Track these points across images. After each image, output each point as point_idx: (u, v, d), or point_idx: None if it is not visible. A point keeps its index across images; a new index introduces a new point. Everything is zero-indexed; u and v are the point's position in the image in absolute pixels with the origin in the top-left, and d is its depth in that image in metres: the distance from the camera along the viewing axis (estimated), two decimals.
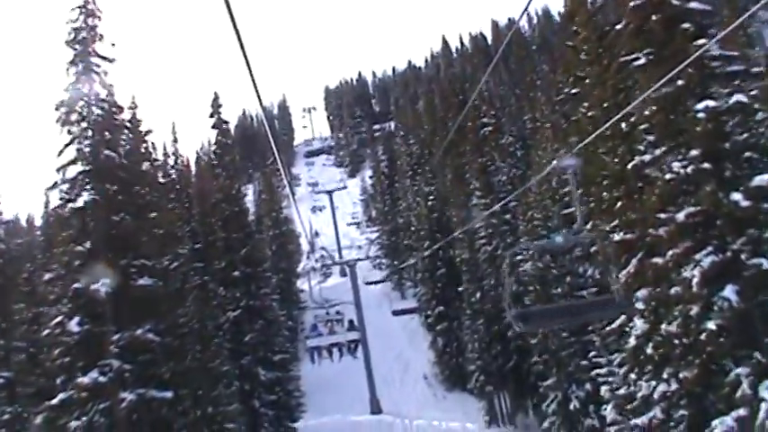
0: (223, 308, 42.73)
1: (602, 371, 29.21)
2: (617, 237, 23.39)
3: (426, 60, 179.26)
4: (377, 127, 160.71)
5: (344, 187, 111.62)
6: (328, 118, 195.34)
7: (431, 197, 64.51)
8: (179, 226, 39.16)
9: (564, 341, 34.52)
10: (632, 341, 22.21)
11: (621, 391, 24.50)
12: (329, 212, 69.41)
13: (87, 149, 27.38)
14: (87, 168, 27.31)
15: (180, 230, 39.32)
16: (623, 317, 23.23)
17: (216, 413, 32.44)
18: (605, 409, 26.33)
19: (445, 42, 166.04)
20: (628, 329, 22.88)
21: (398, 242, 79.96)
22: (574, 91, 33.07)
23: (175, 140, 52.34)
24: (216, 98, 47.77)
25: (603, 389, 27.40)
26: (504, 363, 47.53)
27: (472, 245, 52.31)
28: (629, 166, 22.47)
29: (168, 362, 26.68)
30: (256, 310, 46.01)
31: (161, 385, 25.83)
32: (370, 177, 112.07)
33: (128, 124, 30.00)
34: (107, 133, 27.72)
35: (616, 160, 24.74)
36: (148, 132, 36.14)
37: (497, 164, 57.06)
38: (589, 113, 28.42)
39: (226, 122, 49.03)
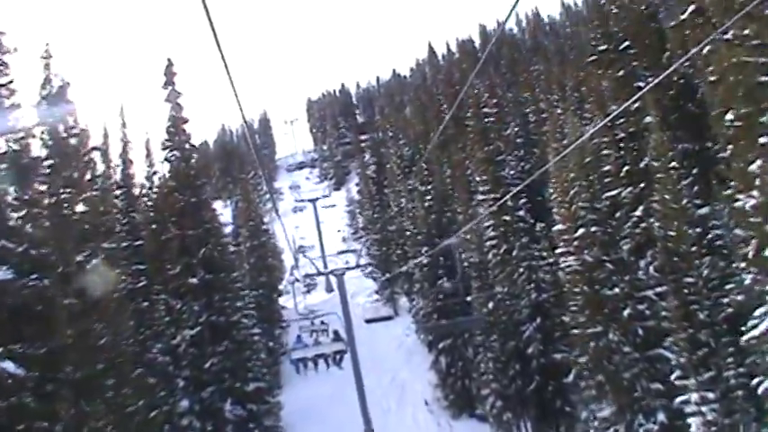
0: (178, 325, 34.40)
1: (690, 396, 21.50)
2: None
3: (412, 69, 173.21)
4: (363, 137, 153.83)
5: (333, 206, 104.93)
6: (311, 130, 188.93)
7: (428, 197, 57.02)
8: (102, 214, 29.97)
9: (626, 357, 26.62)
10: None
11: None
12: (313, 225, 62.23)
13: None
14: None
15: (108, 222, 30.86)
16: None
17: None
18: None
19: (431, 49, 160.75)
20: None
21: (389, 252, 72.23)
22: None
23: (124, 125, 43.93)
24: (169, 65, 39.55)
25: (693, 422, 19.88)
26: (525, 385, 40.91)
27: (481, 247, 44.75)
28: None
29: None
30: (221, 329, 37.27)
31: None
32: (357, 185, 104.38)
33: None
34: None
35: None
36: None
37: (504, 156, 49.77)
38: None
39: (179, 93, 40.58)
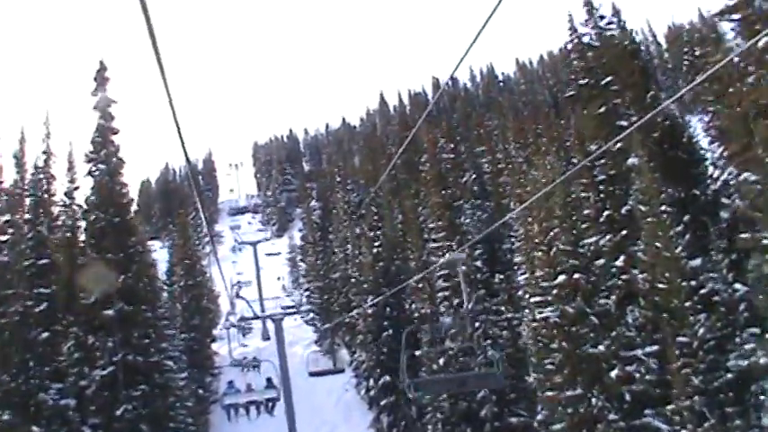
0: (89, 363, 29.88)
1: None
2: None
3: (361, 119, 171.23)
4: (309, 185, 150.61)
5: (278, 253, 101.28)
6: (255, 175, 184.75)
7: (376, 243, 53.36)
8: None
9: (611, 426, 23.08)
10: None
11: None
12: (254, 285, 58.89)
13: None
14: None
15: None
16: None
17: None
18: None
19: (383, 99, 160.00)
20: None
21: (331, 301, 68.26)
22: None
23: (48, 135, 39.24)
24: (102, 69, 35.21)
25: None
26: None
27: (432, 298, 41.30)
28: None
29: None
30: (139, 370, 32.30)
31: None
32: (301, 231, 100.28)
33: None
34: None
35: None
36: None
37: (461, 203, 46.92)
38: None
39: (112, 101, 36.23)
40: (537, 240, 28.12)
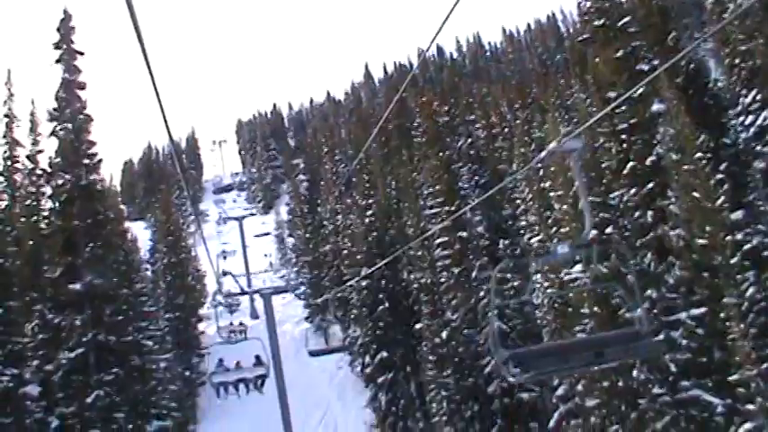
0: (56, 345, 26.77)
1: None
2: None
3: (346, 93, 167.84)
4: (295, 162, 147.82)
5: (267, 234, 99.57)
6: (240, 152, 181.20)
7: (368, 212, 50.46)
8: None
9: (656, 400, 20.27)
10: None
11: None
12: (239, 256, 56.57)
13: None
14: None
15: None
16: None
17: None
18: None
19: (368, 71, 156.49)
20: None
21: (322, 276, 65.50)
22: None
23: (11, 96, 35.77)
24: (66, 17, 31.41)
25: None
26: (485, 429, 33.68)
27: (433, 266, 38.55)
28: None
29: None
30: (112, 351, 28.58)
31: None
32: (288, 205, 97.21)
33: None
34: None
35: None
36: None
37: (458, 166, 44.35)
38: None
39: (78, 53, 32.53)
40: (560, 193, 25.26)
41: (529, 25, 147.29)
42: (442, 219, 38.46)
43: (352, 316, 52.93)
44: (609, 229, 22.24)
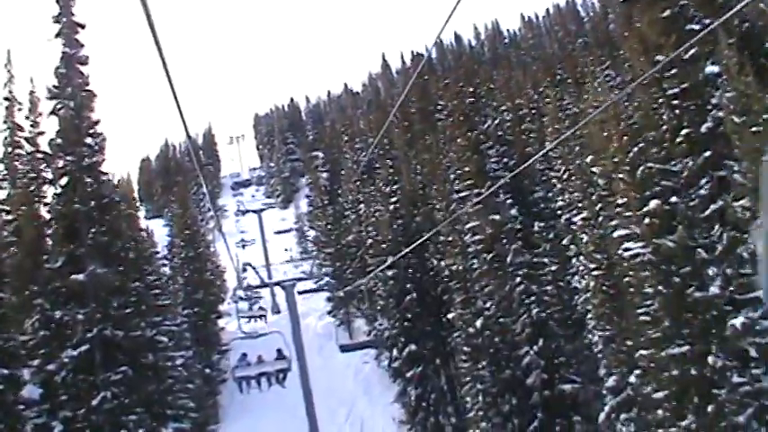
0: (59, 341, 24.60)
1: None
2: None
3: (364, 84, 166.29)
4: (314, 154, 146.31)
5: (288, 230, 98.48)
6: (257, 147, 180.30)
7: (393, 199, 48.30)
8: None
9: (736, 390, 17.87)
10: None
11: None
12: (258, 246, 54.99)
13: None
14: None
15: None
16: None
17: None
18: None
19: (385, 61, 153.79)
20: None
21: (344, 268, 63.51)
22: None
23: (11, 79, 33.59)
24: None
25: None
26: (524, 424, 31.58)
27: (464, 252, 36.38)
28: None
29: None
30: (120, 348, 26.13)
31: None
32: (308, 197, 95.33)
33: None
34: None
35: None
36: None
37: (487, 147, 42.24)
38: None
39: (80, 26, 30.17)
40: (616, 159, 22.88)
41: (548, 10, 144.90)
42: (472, 202, 36.40)
43: (378, 307, 50.84)
44: (674, 198, 19.82)
